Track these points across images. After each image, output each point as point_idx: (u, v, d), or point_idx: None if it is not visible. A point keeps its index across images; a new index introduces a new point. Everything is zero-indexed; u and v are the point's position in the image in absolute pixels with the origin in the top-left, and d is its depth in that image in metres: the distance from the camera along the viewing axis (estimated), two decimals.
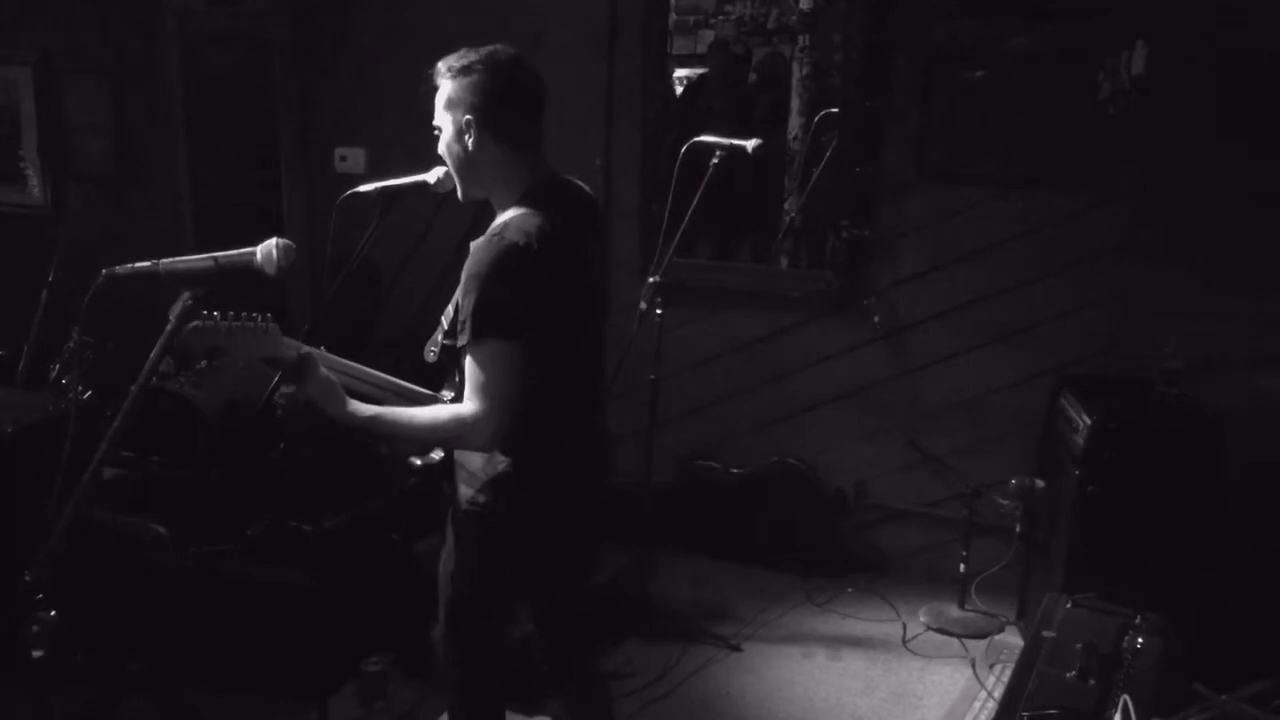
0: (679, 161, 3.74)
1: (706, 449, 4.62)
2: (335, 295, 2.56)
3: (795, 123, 5.97)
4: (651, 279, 3.73)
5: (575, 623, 2.67)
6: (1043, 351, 4.10)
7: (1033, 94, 3.99)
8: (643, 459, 3.88)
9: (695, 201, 3.69)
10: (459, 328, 2.17)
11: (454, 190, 2.39)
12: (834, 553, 4.47)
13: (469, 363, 2.15)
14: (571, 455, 2.37)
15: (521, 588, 2.50)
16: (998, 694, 3.42)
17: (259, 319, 2.19)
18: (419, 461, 2.42)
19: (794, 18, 6.64)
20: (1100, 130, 3.91)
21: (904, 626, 4.03)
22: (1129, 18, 3.81)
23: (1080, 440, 3.48)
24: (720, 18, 7.95)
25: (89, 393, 3.71)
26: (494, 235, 2.18)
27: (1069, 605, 2.80)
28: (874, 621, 4.09)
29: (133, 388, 1.92)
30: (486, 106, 2.22)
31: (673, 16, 6.97)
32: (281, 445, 3.61)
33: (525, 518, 2.31)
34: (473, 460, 2.31)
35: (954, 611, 4.08)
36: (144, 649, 3.31)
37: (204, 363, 4.16)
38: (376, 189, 2.42)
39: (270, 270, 1.99)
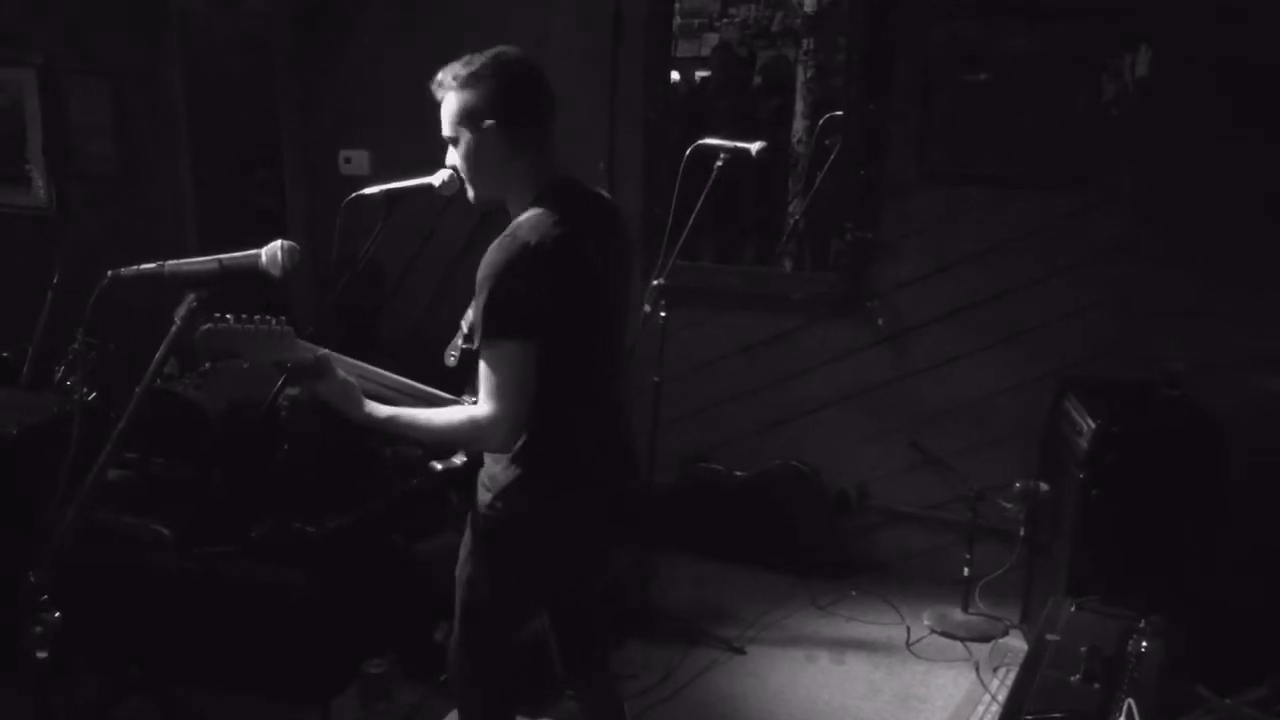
0: (683, 164, 3.74)
1: (710, 451, 4.62)
2: (339, 297, 2.57)
3: (799, 125, 5.97)
4: (655, 281, 3.73)
5: (591, 622, 2.67)
6: (1045, 354, 4.10)
7: (1035, 95, 3.99)
8: (646, 461, 3.88)
9: (699, 204, 3.69)
10: (466, 324, 2.16)
11: (459, 193, 2.39)
12: (837, 555, 4.47)
13: (482, 364, 2.15)
14: (587, 458, 2.35)
15: (537, 592, 2.49)
16: (1001, 698, 3.42)
17: (273, 321, 2.18)
18: (440, 466, 2.42)
19: (798, 20, 6.64)
20: (1103, 132, 3.91)
21: (908, 629, 4.03)
22: (1132, 19, 3.81)
23: (1083, 443, 3.48)
24: (724, 20, 7.95)
25: (93, 394, 3.71)
26: (506, 236, 2.17)
27: (1073, 608, 2.79)
28: (877, 624, 4.09)
29: (137, 389, 1.92)
30: (498, 110, 2.21)
31: (677, 19, 6.97)
32: (285, 447, 3.62)
33: (541, 522, 2.30)
34: (491, 465, 2.31)
35: (958, 614, 4.08)
36: (146, 650, 3.31)
37: (208, 365, 4.16)
38: (381, 191, 2.42)
39: (275, 272, 1.99)
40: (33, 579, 1.83)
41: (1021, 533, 3.99)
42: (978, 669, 3.77)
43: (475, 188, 2.33)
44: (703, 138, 3.77)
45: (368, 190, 2.44)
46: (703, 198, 3.68)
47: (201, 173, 5.24)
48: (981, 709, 3.53)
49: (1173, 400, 3.60)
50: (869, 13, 4.21)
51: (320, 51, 4.92)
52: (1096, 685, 2.40)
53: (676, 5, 5.40)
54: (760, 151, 3.70)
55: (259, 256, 1.99)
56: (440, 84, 2.26)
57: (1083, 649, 2.47)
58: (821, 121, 5.31)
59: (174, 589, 3.43)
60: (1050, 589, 3.49)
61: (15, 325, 4.24)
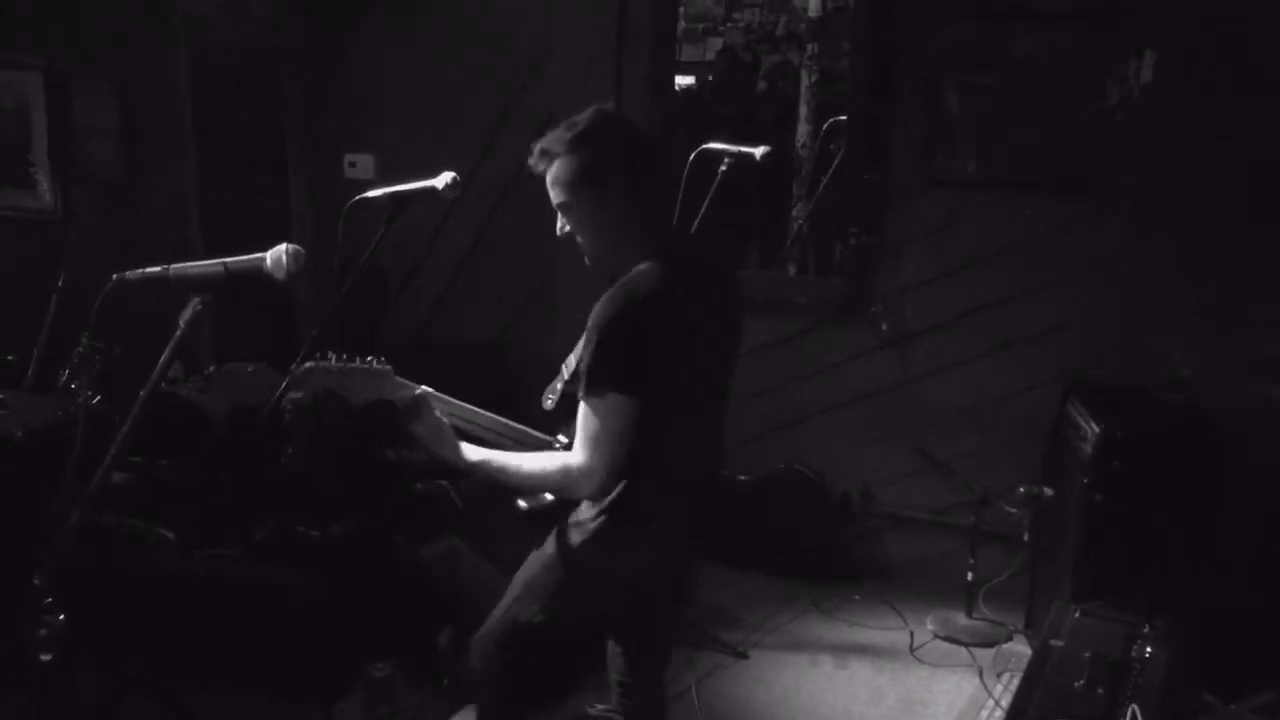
0: (687, 168, 3.74)
1: None
2: (343, 300, 2.57)
3: (803, 130, 5.99)
4: None
5: (654, 647, 2.71)
6: (1050, 359, 4.09)
7: (1040, 100, 3.99)
8: None
9: (704, 208, 3.69)
10: (567, 368, 2.17)
11: (461, 196, 2.40)
12: (841, 559, 4.47)
13: (581, 412, 2.15)
14: (674, 512, 2.36)
15: (587, 629, 2.54)
16: (1005, 703, 3.41)
17: (372, 361, 2.25)
18: (525, 505, 2.44)
19: (802, 25, 6.66)
20: (1107, 137, 3.90)
21: (911, 634, 4.02)
22: (1137, 25, 3.81)
23: (1088, 448, 3.47)
24: (729, 25, 7.97)
25: (97, 397, 3.71)
26: (619, 288, 2.17)
27: (1077, 614, 2.79)
28: (881, 629, 4.09)
29: (141, 393, 1.92)
30: (617, 166, 2.20)
31: (681, 24, 6.98)
32: (288, 450, 3.62)
33: (615, 572, 2.33)
34: (586, 508, 2.32)
35: (961, 619, 4.07)
36: (150, 652, 3.31)
37: (211, 368, 4.18)
38: (385, 194, 2.43)
39: (279, 276, 1.99)
40: (37, 581, 1.83)
41: (1025, 537, 3.98)
42: (981, 674, 3.76)
43: (595, 248, 2.29)
44: (707, 142, 3.78)
45: (371, 193, 2.44)
46: (707, 202, 3.68)
47: (206, 176, 5.24)
48: (985, 714, 3.52)
49: (1177, 405, 3.60)
50: (872, 17, 4.22)
51: (326, 56, 4.93)
52: (1101, 691, 2.40)
53: (680, 10, 5.41)
54: (764, 156, 3.70)
55: (263, 260, 1.99)
56: (545, 153, 2.22)
57: (1087, 654, 2.47)
58: (825, 126, 5.32)
59: (177, 591, 3.44)
60: (1054, 594, 3.48)
61: (20, 328, 4.25)
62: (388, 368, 2.28)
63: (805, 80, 6.04)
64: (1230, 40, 3.70)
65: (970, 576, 4.06)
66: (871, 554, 4.52)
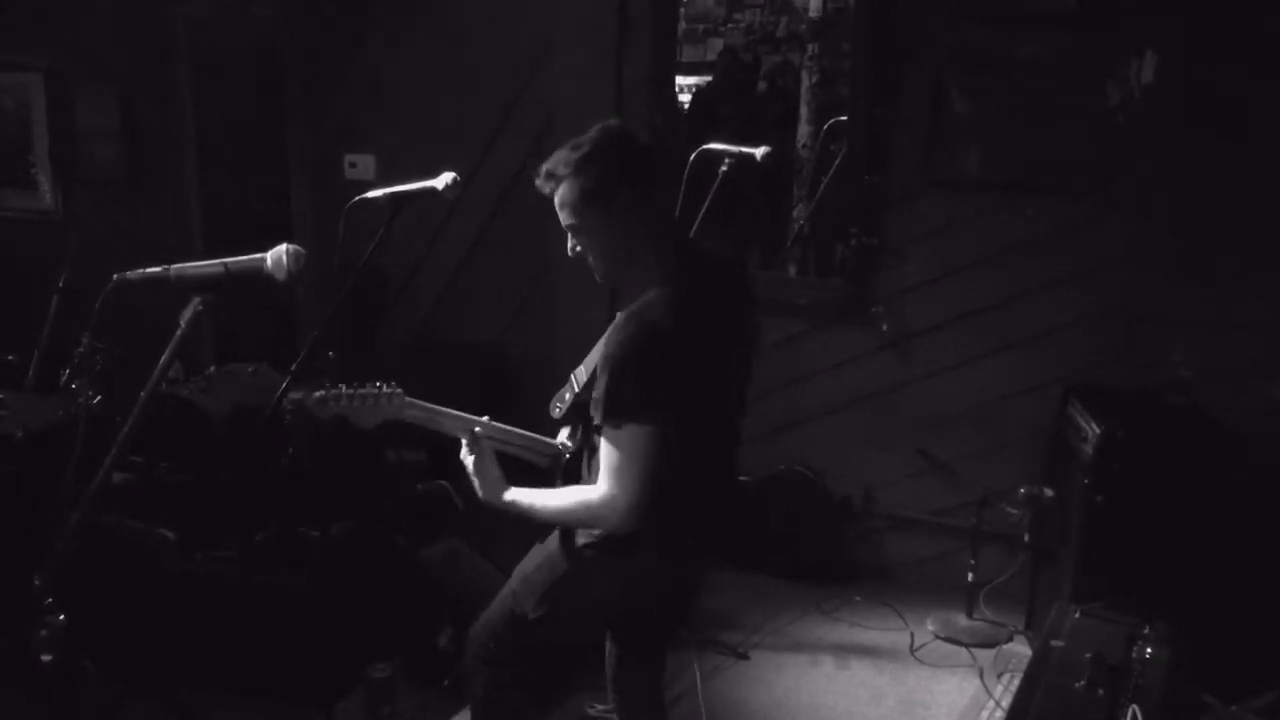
0: (688, 169, 3.74)
1: None
2: (342, 300, 2.57)
3: (804, 130, 5.99)
4: None
5: (654, 657, 2.71)
6: (1051, 360, 4.09)
7: (1041, 102, 3.99)
8: None
9: (704, 208, 3.69)
10: (593, 406, 2.15)
11: (461, 196, 2.40)
12: (842, 561, 4.47)
13: (603, 444, 2.15)
14: (691, 533, 2.35)
15: (586, 630, 2.53)
16: (1005, 703, 3.41)
17: (382, 387, 2.29)
18: None
19: (803, 26, 6.66)
20: (1109, 138, 3.90)
21: (912, 635, 4.02)
22: (1138, 26, 3.81)
23: (1089, 449, 3.47)
24: (729, 26, 7.97)
25: (98, 398, 3.72)
26: (633, 315, 2.15)
27: (1077, 614, 2.79)
28: (881, 630, 4.08)
29: (142, 393, 1.92)
30: (625, 181, 2.19)
31: (682, 24, 6.98)
32: (289, 451, 3.62)
33: (620, 581, 2.32)
34: None
35: (962, 620, 4.07)
36: (150, 654, 3.32)
37: (212, 368, 4.18)
38: (385, 195, 2.43)
39: (280, 276, 1.99)
40: (37, 582, 1.83)
41: (1026, 538, 3.98)
42: (982, 675, 3.76)
43: (605, 267, 2.27)
44: (707, 142, 3.78)
45: (371, 193, 2.44)
46: (707, 202, 3.68)
47: (206, 176, 5.25)
48: (986, 715, 3.52)
49: (1178, 407, 3.60)
50: (873, 18, 4.21)
51: (326, 57, 4.93)
52: (1101, 692, 2.40)
53: (681, 10, 5.41)
54: (765, 156, 3.70)
55: (264, 260, 1.99)
56: (551, 175, 2.21)
57: (1087, 655, 2.47)
58: (826, 126, 5.32)
59: (178, 592, 3.44)
60: (1055, 595, 3.49)
61: (21, 329, 4.25)
62: (398, 390, 2.30)
63: (806, 81, 6.04)
64: (1229, 37, 3.70)
65: (971, 577, 4.05)
66: (872, 555, 4.52)
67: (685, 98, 7.08)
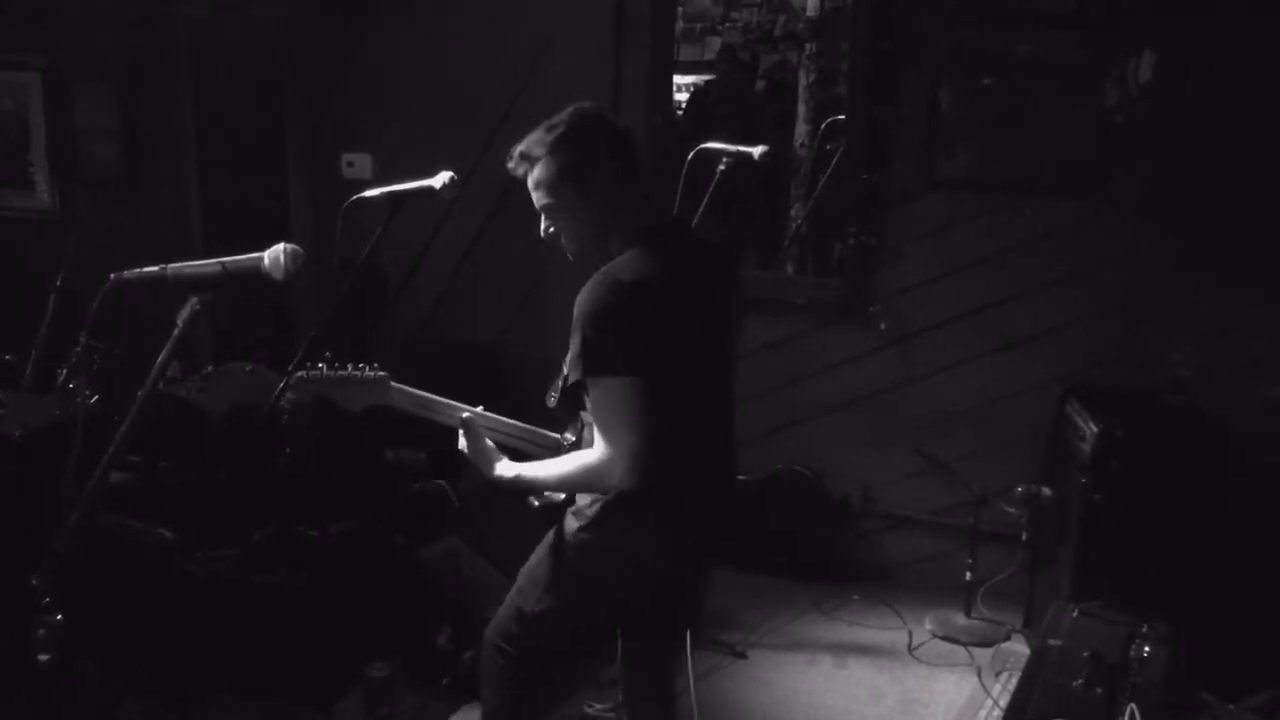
0: (685, 168, 3.74)
1: None
2: (341, 299, 2.57)
3: (802, 130, 5.98)
4: None
5: (665, 654, 2.70)
6: (1049, 359, 4.09)
7: (1039, 102, 3.99)
8: None
9: (702, 208, 3.68)
10: (569, 365, 2.14)
11: (459, 196, 2.39)
12: (840, 560, 4.47)
13: (589, 405, 2.14)
14: (690, 497, 2.31)
15: (595, 620, 2.48)
16: (1004, 702, 3.41)
17: (365, 368, 2.27)
18: (537, 502, 2.44)
19: (801, 25, 6.66)
20: (1107, 138, 3.90)
21: (910, 634, 4.02)
22: (1136, 26, 3.81)
23: (1087, 448, 3.47)
24: (727, 25, 7.97)
25: (96, 397, 3.71)
26: (600, 274, 2.15)
27: (1075, 613, 2.80)
28: (880, 629, 4.09)
29: (140, 392, 1.92)
30: (601, 158, 2.19)
31: (679, 23, 6.97)
32: (287, 450, 3.62)
33: (626, 556, 2.28)
34: (580, 497, 2.31)
35: (960, 619, 4.07)
36: (149, 653, 3.31)
37: (210, 368, 4.18)
38: (382, 194, 2.42)
39: (278, 275, 1.99)
40: (35, 582, 1.83)
41: (1024, 537, 3.98)
42: (980, 674, 3.76)
43: (579, 243, 2.27)
44: (705, 141, 3.77)
45: (369, 193, 2.44)
46: (705, 201, 3.68)
47: (206, 176, 5.25)
48: (984, 714, 3.52)
49: (1176, 406, 3.60)
50: (871, 18, 4.21)
51: (325, 56, 4.93)
52: (1099, 690, 2.40)
53: (679, 9, 5.40)
54: (763, 156, 3.69)
55: (262, 260, 1.99)
56: (526, 156, 2.20)
57: (1085, 654, 2.47)
58: (824, 126, 5.32)
59: (176, 592, 3.43)
60: (1053, 594, 3.49)
61: (18, 328, 4.25)
62: (383, 374, 2.28)
63: (804, 80, 6.04)
64: (1229, 37, 3.70)
65: (969, 576, 4.05)
66: (871, 554, 4.52)
67: (683, 97, 7.08)
